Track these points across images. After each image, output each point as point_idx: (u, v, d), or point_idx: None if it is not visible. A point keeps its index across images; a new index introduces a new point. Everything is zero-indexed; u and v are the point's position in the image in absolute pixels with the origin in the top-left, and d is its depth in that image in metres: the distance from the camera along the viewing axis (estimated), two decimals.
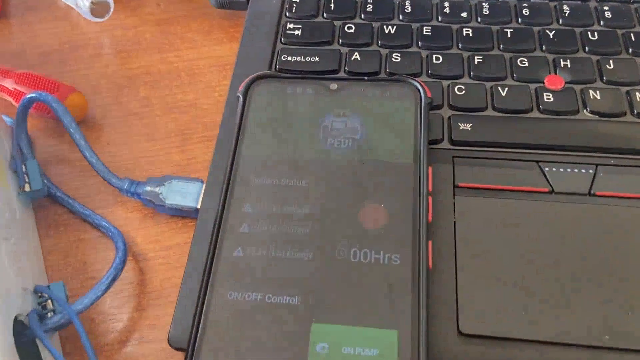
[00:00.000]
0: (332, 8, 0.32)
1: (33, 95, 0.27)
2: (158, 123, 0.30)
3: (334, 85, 0.27)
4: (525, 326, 0.21)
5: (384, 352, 0.20)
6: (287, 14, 0.32)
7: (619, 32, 0.30)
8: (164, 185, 0.27)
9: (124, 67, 0.33)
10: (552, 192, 0.25)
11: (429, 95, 0.26)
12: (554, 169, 0.25)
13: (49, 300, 0.23)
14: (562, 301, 0.22)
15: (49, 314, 0.22)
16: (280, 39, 0.31)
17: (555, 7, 0.31)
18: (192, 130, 0.30)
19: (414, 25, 0.31)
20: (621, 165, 0.25)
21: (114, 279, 0.24)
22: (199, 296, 0.21)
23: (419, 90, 0.26)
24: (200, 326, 0.21)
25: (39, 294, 0.22)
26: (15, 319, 0.20)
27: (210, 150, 0.29)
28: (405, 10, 0.31)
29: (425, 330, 0.20)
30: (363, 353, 0.20)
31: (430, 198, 0.23)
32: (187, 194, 0.27)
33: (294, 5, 0.32)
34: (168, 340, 0.22)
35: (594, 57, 0.29)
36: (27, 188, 0.26)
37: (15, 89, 0.30)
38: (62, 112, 0.27)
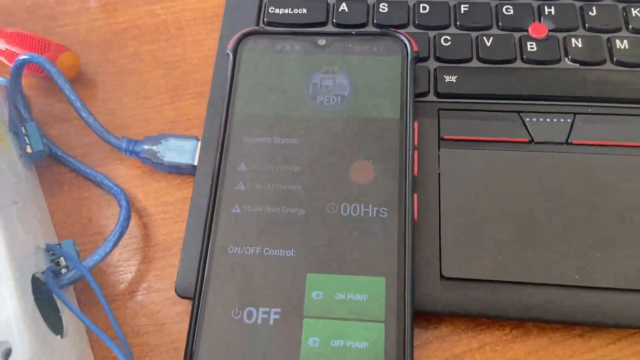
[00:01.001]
0: None
1: (26, 57, 0.27)
2: (149, 79, 0.31)
3: (322, 41, 0.27)
4: (502, 269, 0.23)
5: (372, 297, 0.22)
6: None
7: None
8: (160, 143, 0.28)
9: (112, 20, 0.33)
10: (531, 141, 0.26)
11: (415, 49, 0.26)
12: (534, 119, 0.26)
13: (61, 258, 0.24)
14: (538, 245, 0.24)
15: (63, 270, 0.24)
16: None
17: None
18: (183, 86, 0.31)
19: None
20: (598, 114, 0.26)
21: (120, 235, 0.25)
22: (201, 251, 0.23)
23: (405, 44, 0.27)
24: (205, 277, 0.22)
25: (51, 252, 0.24)
26: (33, 277, 0.22)
27: (203, 107, 0.30)
28: None
29: (411, 276, 0.22)
30: (354, 298, 0.22)
31: (416, 152, 0.25)
32: (183, 151, 0.28)
33: None
34: (175, 289, 0.24)
35: (578, 4, 0.29)
36: (28, 150, 0.27)
37: (6, 49, 0.30)
38: (55, 74, 0.27)
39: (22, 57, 0.27)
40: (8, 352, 0.19)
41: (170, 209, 0.27)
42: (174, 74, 0.31)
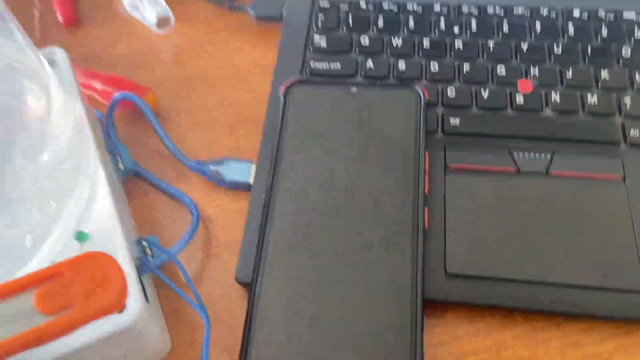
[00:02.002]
0: (350, 24, 0.40)
1: (122, 95, 0.35)
2: (213, 115, 0.39)
3: (354, 89, 0.35)
4: (494, 267, 0.30)
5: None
6: (314, 28, 0.40)
7: (579, 45, 0.38)
8: (223, 164, 0.35)
9: (183, 69, 0.41)
10: (518, 171, 0.33)
11: (427, 98, 0.34)
12: (520, 154, 0.33)
13: (147, 249, 0.31)
14: (521, 249, 0.30)
15: (150, 258, 0.30)
16: (309, 48, 0.39)
17: (529, 24, 0.39)
18: (240, 121, 0.38)
19: (416, 39, 0.39)
20: (572, 152, 0.33)
21: (192, 234, 0.32)
22: (257, 248, 0.30)
23: (419, 94, 0.34)
24: (260, 269, 0.29)
25: (142, 243, 0.31)
26: (137, 259, 0.28)
27: (255, 138, 0.37)
28: (409, 27, 0.39)
29: (422, 271, 0.28)
30: None
31: (427, 175, 0.32)
32: (241, 171, 0.35)
33: (320, 20, 0.40)
34: (235, 278, 0.31)
35: (557, 67, 0.37)
36: (120, 166, 0.34)
37: (103, 89, 0.38)
38: (145, 108, 0.35)
39: (119, 94, 0.35)
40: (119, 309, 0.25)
41: (230, 217, 0.34)
42: (233, 111, 0.39)
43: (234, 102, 0.39)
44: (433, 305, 0.30)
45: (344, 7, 0.41)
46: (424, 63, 0.38)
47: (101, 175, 0.29)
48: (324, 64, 0.38)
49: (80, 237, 0.26)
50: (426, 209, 0.31)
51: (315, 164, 0.32)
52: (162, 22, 0.41)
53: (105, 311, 0.17)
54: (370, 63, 0.38)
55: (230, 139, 0.38)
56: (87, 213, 0.28)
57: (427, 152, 0.32)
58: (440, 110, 0.36)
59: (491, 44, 0.38)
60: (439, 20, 0.40)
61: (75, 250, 0.26)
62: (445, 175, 0.33)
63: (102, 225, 0.28)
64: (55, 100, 0.27)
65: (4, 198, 0.25)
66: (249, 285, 0.29)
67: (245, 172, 0.35)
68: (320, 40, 0.39)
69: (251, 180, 0.34)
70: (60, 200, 0.27)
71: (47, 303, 0.17)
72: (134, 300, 0.25)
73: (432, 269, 0.30)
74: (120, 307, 0.18)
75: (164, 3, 0.42)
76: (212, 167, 0.35)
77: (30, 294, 0.17)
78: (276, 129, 0.34)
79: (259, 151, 0.35)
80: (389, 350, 0.27)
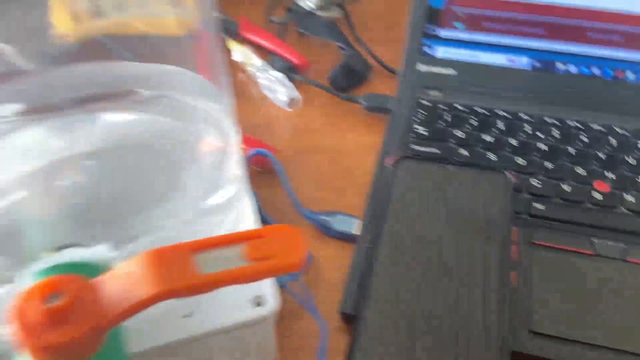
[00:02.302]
0: (448, 120, 0.47)
1: (257, 150, 0.42)
2: (326, 178, 0.45)
3: (452, 168, 0.41)
4: (575, 331, 0.33)
5: None
6: (416, 119, 0.47)
7: None
8: (332, 216, 0.41)
9: (302, 139, 0.48)
10: (596, 254, 0.37)
11: (516, 182, 0.39)
12: (599, 240, 0.38)
13: None
14: (597, 317, 0.33)
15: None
16: (411, 135, 0.46)
17: (607, 140, 0.45)
18: (346, 185, 0.44)
19: (505, 138, 0.45)
20: None
21: (303, 270, 0.37)
22: (361, 288, 0.34)
23: (509, 177, 0.40)
24: (365, 304, 0.33)
25: None
26: None
27: (359, 199, 0.43)
28: (499, 127, 0.46)
29: (508, 324, 0.32)
30: None
31: (514, 246, 0.36)
32: (347, 224, 0.40)
33: (421, 114, 0.47)
34: (339, 310, 0.35)
35: (632, 175, 0.42)
36: None
37: (243, 147, 0.45)
38: (275, 163, 0.42)
39: (256, 150, 0.42)
40: (260, 302, 0.30)
41: (336, 260, 0.39)
42: (341, 177, 0.45)
43: (343, 170, 0.46)
44: (515, 357, 0.33)
45: (442, 106, 0.48)
46: (513, 157, 0.44)
47: (250, 216, 0.35)
48: (424, 148, 0.45)
49: None
50: (514, 273, 0.35)
51: (416, 225, 0.37)
52: (291, 101, 0.50)
53: (291, 267, 0.22)
54: (464, 151, 0.44)
55: (338, 198, 0.44)
56: None
57: (515, 228, 0.37)
58: (526, 196, 0.41)
59: (572, 150, 0.44)
60: (524, 126, 0.46)
61: None
62: (530, 249, 0.37)
63: None
64: (231, 146, 0.33)
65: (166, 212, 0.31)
66: (350, 316, 0.33)
67: (351, 224, 0.40)
68: (421, 130, 0.46)
69: (355, 232, 0.40)
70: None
71: (252, 253, 0.22)
72: (273, 296, 0.30)
73: (517, 326, 0.34)
74: (300, 267, 0.22)
75: (293, 87, 0.50)
76: (322, 217, 0.41)
77: (239, 246, 0.22)
78: (382, 193, 0.39)
79: (364, 209, 0.41)
80: None
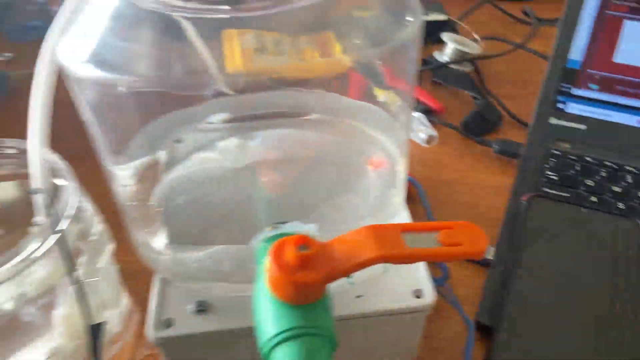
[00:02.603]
0: (577, 169, 0.51)
1: (409, 179, 0.48)
2: (458, 209, 0.50)
3: (584, 210, 0.45)
4: None
5: None
6: (547, 165, 0.51)
7: None
8: None
9: (438, 174, 0.54)
10: None
11: None
12: None
13: None
14: None
15: None
16: (542, 179, 0.50)
17: None
18: (478, 215, 0.49)
19: (635, 191, 0.48)
20: None
21: (443, 281, 0.42)
22: (498, 303, 0.38)
23: (638, 224, 0.43)
24: (503, 315, 0.38)
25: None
26: None
27: (492, 230, 0.47)
28: (628, 181, 0.49)
29: None
30: None
31: None
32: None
33: (552, 161, 0.52)
34: (475, 319, 0.39)
35: None
36: None
37: None
38: (421, 192, 0.48)
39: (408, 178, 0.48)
40: (419, 295, 0.35)
41: (470, 279, 0.44)
42: (473, 209, 0.50)
43: (475, 204, 0.51)
44: None
45: (572, 157, 0.52)
46: None
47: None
48: (555, 191, 0.49)
49: None
50: None
51: (548, 255, 0.41)
52: (429, 139, 0.56)
53: (475, 254, 0.27)
54: (594, 198, 0.48)
55: None
56: None
57: None
58: None
59: None
60: None
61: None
62: None
63: None
64: (397, 172, 0.40)
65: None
66: (484, 326, 0.38)
67: (487, 252, 0.45)
68: (552, 175, 0.50)
69: (489, 257, 0.44)
70: None
71: (445, 239, 0.27)
72: (430, 291, 0.35)
73: None
74: (481, 256, 0.28)
75: (431, 126, 0.57)
76: None
77: (435, 233, 0.28)
78: (515, 225, 0.44)
79: (497, 237, 0.45)
80: None
